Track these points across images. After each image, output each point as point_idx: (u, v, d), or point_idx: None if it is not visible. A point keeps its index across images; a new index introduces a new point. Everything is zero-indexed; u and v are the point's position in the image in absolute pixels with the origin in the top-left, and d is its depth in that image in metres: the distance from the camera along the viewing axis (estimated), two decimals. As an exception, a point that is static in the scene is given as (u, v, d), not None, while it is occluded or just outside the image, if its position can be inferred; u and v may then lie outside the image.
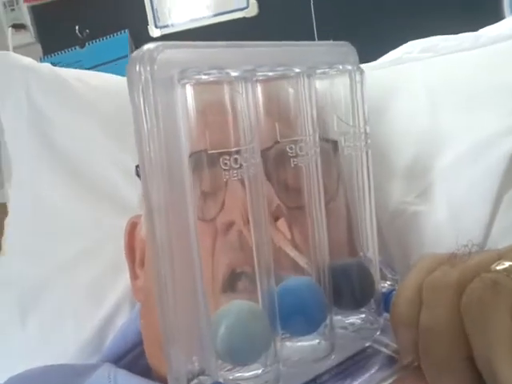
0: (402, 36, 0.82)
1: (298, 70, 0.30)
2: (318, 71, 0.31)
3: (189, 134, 0.26)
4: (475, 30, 0.77)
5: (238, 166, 0.26)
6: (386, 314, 0.34)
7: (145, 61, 0.25)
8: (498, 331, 0.26)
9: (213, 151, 0.26)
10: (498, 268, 0.28)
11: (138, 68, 0.25)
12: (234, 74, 0.27)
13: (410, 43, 0.81)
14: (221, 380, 0.27)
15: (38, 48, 1.47)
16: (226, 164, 0.26)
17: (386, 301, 0.34)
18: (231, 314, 0.26)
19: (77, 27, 1.41)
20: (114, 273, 0.70)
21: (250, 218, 0.29)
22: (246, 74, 0.27)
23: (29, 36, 1.48)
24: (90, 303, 0.70)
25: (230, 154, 0.26)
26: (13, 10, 1.52)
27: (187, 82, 0.26)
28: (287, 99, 0.30)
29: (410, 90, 0.74)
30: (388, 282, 0.36)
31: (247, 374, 0.29)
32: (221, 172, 0.27)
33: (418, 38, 0.80)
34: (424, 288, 0.30)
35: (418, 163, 0.69)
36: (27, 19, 1.48)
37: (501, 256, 0.28)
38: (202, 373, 0.27)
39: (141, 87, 0.24)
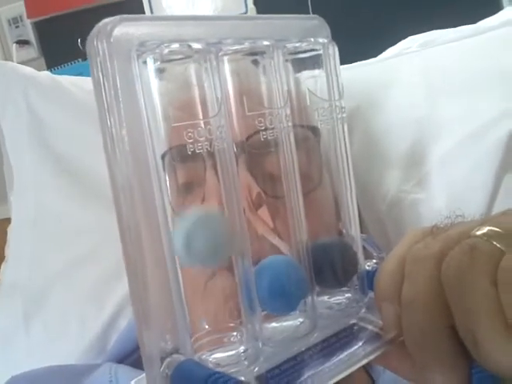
0: (402, 33, 0.81)
1: (266, 43, 0.29)
2: (289, 45, 0.31)
3: (150, 109, 0.26)
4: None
5: (202, 138, 0.26)
6: (372, 293, 0.33)
7: (101, 35, 0.24)
8: (477, 298, 0.25)
9: (176, 124, 0.25)
10: (478, 233, 0.27)
11: (95, 43, 0.24)
12: (196, 46, 0.26)
13: (409, 38, 0.81)
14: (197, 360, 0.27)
15: (42, 62, 1.49)
16: (190, 137, 0.26)
17: (371, 279, 0.33)
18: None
19: (79, 40, 1.42)
20: (117, 275, 0.70)
21: (223, 199, 0.28)
22: (211, 48, 0.27)
23: (33, 51, 1.50)
24: (94, 306, 0.71)
25: (193, 126, 0.26)
26: (17, 27, 1.55)
27: (147, 56, 0.25)
28: (255, 73, 0.30)
29: (407, 79, 0.73)
30: (374, 261, 0.35)
31: (226, 354, 0.28)
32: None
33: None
34: (406, 261, 0.29)
35: (416, 151, 0.68)
36: (31, 35, 1.51)
37: (483, 223, 0.27)
38: (175, 351, 0.26)
39: (99, 62, 0.24)
